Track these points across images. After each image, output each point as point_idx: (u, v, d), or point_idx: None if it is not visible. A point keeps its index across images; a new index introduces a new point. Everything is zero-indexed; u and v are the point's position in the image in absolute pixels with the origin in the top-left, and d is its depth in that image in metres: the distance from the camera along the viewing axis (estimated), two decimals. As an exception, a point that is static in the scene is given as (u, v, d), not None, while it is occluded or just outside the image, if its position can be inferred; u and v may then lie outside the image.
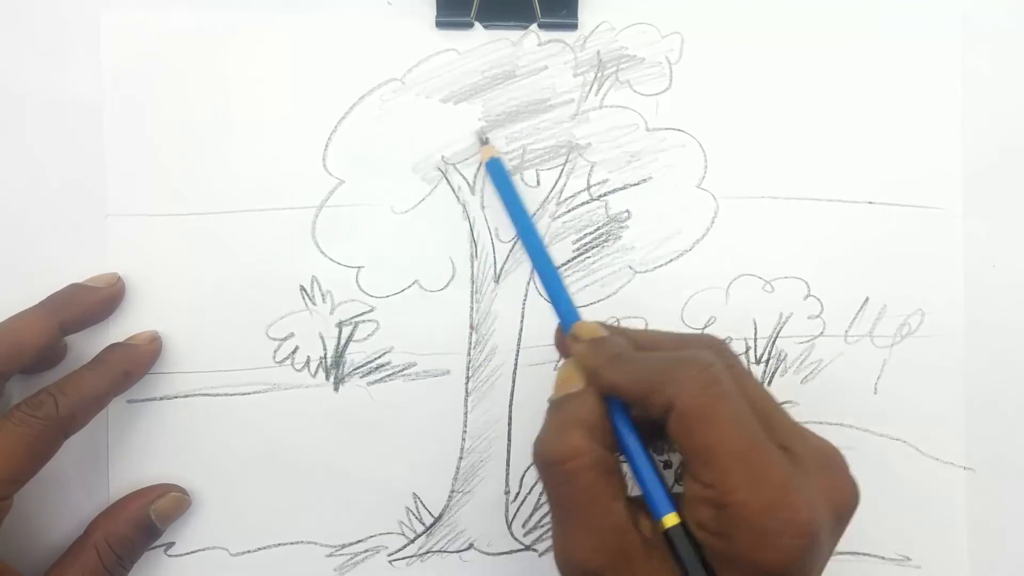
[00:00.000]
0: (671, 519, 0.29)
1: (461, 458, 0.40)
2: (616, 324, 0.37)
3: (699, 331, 0.40)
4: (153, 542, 0.39)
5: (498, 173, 0.39)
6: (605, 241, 0.41)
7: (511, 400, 0.40)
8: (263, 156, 0.40)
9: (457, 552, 0.41)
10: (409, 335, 0.40)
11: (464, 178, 0.40)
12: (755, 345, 0.41)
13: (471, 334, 0.40)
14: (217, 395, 0.39)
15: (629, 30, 0.41)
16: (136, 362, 0.38)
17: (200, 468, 0.39)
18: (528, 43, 0.40)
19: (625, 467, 0.31)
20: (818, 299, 0.41)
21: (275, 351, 0.40)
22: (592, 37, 0.41)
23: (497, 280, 0.40)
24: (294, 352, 0.40)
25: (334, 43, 0.40)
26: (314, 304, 0.40)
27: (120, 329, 0.39)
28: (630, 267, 0.41)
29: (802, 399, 0.41)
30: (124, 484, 0.39)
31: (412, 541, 0.40)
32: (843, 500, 0.29)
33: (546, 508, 0.40)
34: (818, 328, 0.41)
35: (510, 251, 0.40)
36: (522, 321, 0.40)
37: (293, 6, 0.40)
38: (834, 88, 0.41)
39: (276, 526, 0.40)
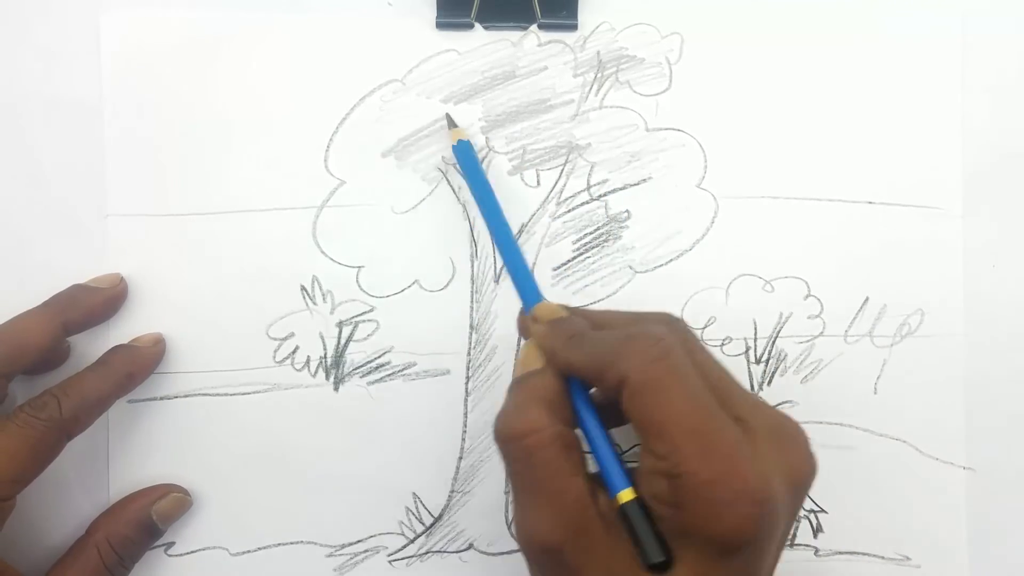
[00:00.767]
0: (626, 494, 0.29)
1: (461, 458, 0.40)
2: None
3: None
4: (154, 542, 0.39)
5: (465, 155, 0.39)
6: (605, 241, 0.41)
7: (511, 400, 0.40)
8: (264, 156, 0.40)
9: (457, 552, 0.41)
10: (409, 335, 0.40)
11: (464, 178, 0.40)
12: (755, 345, 0.41)
13: (471, 334, 0.40)
14: (217, 395, 0.40)
15: (629, 30, 0.41)
16: (139, 364, 0.38)
17: (200, 468, 0.40)
18: (528, 44, 0.40)
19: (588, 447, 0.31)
20: (818, 299, 0.41)
21: (275, 351, 0.40)
22: (592, 37, 0.41)
23: (497, 280, 0.40)
24: (294, 352, 0.40)
25: (334, 43, 0.40)
26: (314, 304, 0.40)
27: (120, 329, 0.39)
28: (630, 267, 0.41)
29: (802, 399, 0.41)
30: (124, 484, 0.39)
31: (412, 541, 0.40)
32: (798, 471, 0.29)
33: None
34: (818, 328, 0.41)
35: (510, 251, 0.40)
36: (522, 321, 0.40)
37: (293, 6, 0.40)
38: (834, 88, 0.41)
39: (276, 526, 0.40)
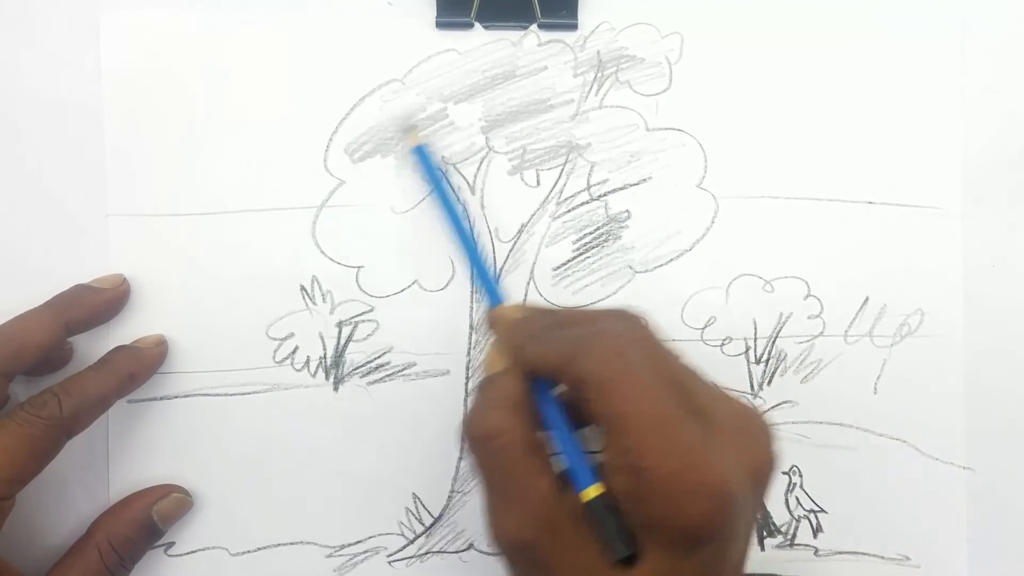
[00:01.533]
0: (592, 490, 0.29)
1: (461, 458, 0.40)
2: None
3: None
4: (155, 543, 0.39)
5: (424, 160, 0.39)
6: (605, 241, 0.41)
7: (511, 400, 0.40)
8: (264, 156, 0.40)
9: (457, 552, 0.41)
10: (409, 335, 0.40)
11: (464, 178, 0.40)
12: (755, 345, 0.41)
13: (471, 334, 0.40)
14: (217, 395, 0.39)
15: (629, 30, 0.41)
16: (141, 365, 0.38)
17: (200, 468, 0.39)
18: (528, 43, 0.40)
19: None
20: (818, 299, 0.41)
21: (275, 351, 0.40)
22: (592, 37, 0.41)
23: (497, 280, 0.40)
24: (294, 352, 0.40)
25: (334, 43, 0.40)
26: (314, 304, 0.40)
27: (120, 329, 0.39)
28: (630, 267, 0.41)
29: (802, 399, 0.41)
30: (125, 484, 0.39)
31: (412, 542, 0.40)
32: (759, 462, 0.29)
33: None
34: (818, 328, 0.41)
35: (510, 251, 0.40)
36: (522, 321, 0.40)
37: (293, 6, 0.40)
38: (834, 88, 0.41)
39: (276, 526, 0.40)
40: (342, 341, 0.40)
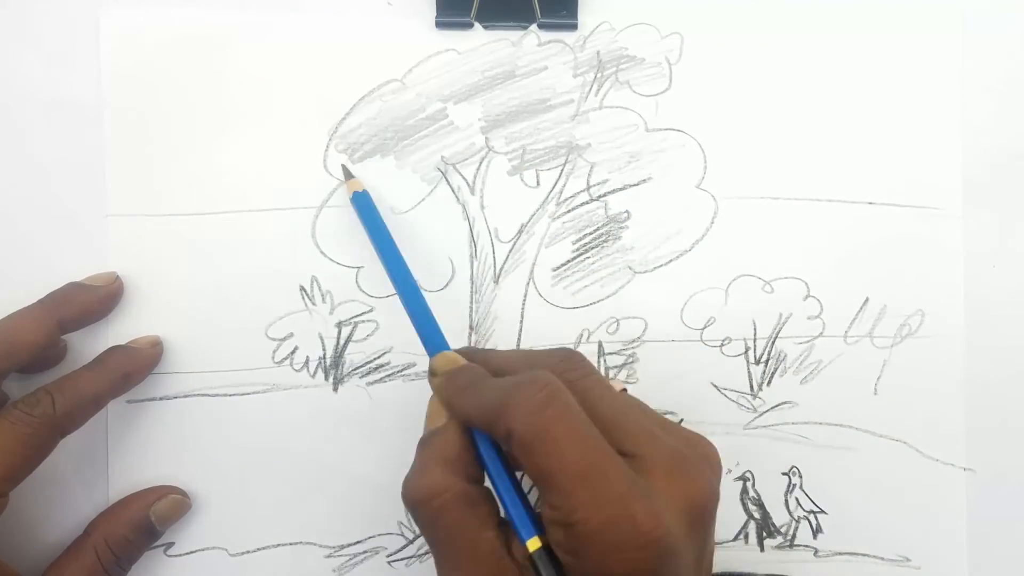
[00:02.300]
0: (533, 543, 0.29)
1: (461, 458, 0.40)
2: (483, 347, 0.36)
3: (633, 344, 0.39)
4: (152, 544, 0.38)
5: (364, 206, 0.38)
6: (605, 241, 0.40)
7: (511, 400, 0.40)
8: (263, 156, 0.39)
9: (457, 552, 0.40)
10: (409, 335, 0.39)
11: (464, 178, 0.40)
12: (755, 345, 0.41)
13: (471, 334, 0.40)
14: (217, 395, 0.39)
15: (629, 30, 0.40)
16: (136, 365, 0.37)
17: (200, 468, 0.39)
18: (528, 43, 0.40)
19: None
20: (818, 299, 0.41)
21: (274, 351, 0.39)
22: (592, 37, 0.40)
23: (497, 280, 0.40)
24: (293, 352, 0.39)
25: (334, 43, 0.40)
26: (314, 304, 0.40)
27: (120, 329, 0.39)
28: (630, 267, 0.40)
29: (802, 400, 0.41)
30: (124, 484, 0.39)
31: (411, 542, 0.40)
32: (696, 500, 0.28)
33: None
34: (818, 329, 0.41)
35: (510, 251, 0.40)
36: (522, 321, 0.40)
37: (293, 6, 0.40)
38: (834, 88, 0.41)
39: (276, 526, 0.40)
40: (342, 341, 0.40)
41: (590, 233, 0.40)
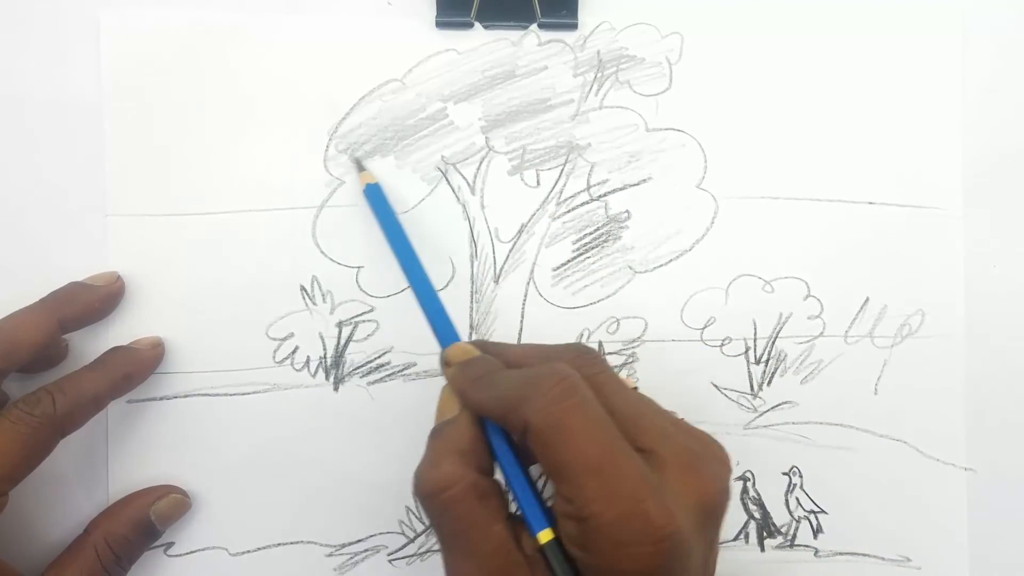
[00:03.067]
0: (544, 535, 0.28)
1: (461, 457, 0.40)
2: (494, 341, 0.35)
3: (633, 342, 0.39)
4: (152, 543, 0.38)
5: (376, 198, 0.38)
6: (605, 241, 0.40)
7: (511, 400, 0.40)
8: (263, 156, 0.39)
9: (457, 551, 0.40)
10: (409, 335, 0.39)
11: (464, 178, 0.40)
12: (755, 345, 0.40)
13: (471, 334, 0.40)
14: (217, 395, 0.39)
15: (629, 30, 0.40)
16: (137, 366, 0.37)
17: (200, 468, 0.39)
18: (528, 43, 0.40)
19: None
20: (818, 299, 0.40)
21: (275, 351, 0.39)
22: (592, 37, 0.40)
23: (497, 280, 0.40)
24: (294, 352, 0.39)
25: (334, 43, 0.39)
26: (314, 304, 0.39)
27: (120, 329, 0.38)
28: (630, 267, 0.40)
29: (802, 400, 0.40)
30: (124, 484, 0.38)
31: (412, 540, 0.40)
32: (708, 498, 0.28)
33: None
34: (818, 328, 0.40)
35: (510, 251, 0.40)
36: (522, 321, 0.40)
37: (293, 6, 0.39)
38: (834, 88, 0.41)
39: (276, 526, 0.39)
40: (342, 341, 0.39)
41: (590, 233, 0.40)
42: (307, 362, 0.39)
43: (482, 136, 0.40)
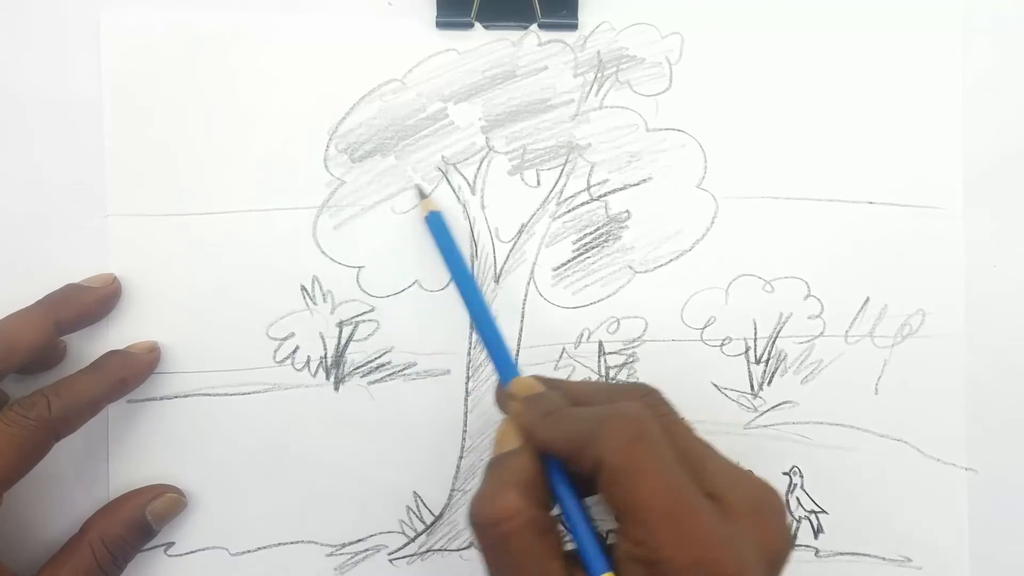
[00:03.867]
0: None
1: (461, 457, 0.39)
2: (553, 378, 0.35)
3: (642, 385, 0.38)
4: (148, 542, 0.37)
5: (437, 226, 0.37)
6: (605, 241, 0.40)
7: (511, 399, 0.39)
8: (264, 156, 0.39)
9: (458, 551, 0.40)
10: (409, 335, 0.39)
11: (464, 178, 0.39)
12: (755, 345, 0.40)
13: (471, 334, 0.39)
14: (217, 395, 0.38)
15: (629, 30, 0.40)
16: (133, 370, 0.37)
17: (200, 468, 0.38)
18: (528, 43, 0.39)
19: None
20: (818, 299, 0.40)
21: (275, 351, 0.39)
22: (592, 37, 0.39)
23: (497, 280, 0.39)
24: (294, 352, 0.39)
25: (334, 43, 0.39)
26: (315, 304, 0.39)
27: (120, 328, 0.38)
28: (630, 267, 0.40)
29: (802, 399, 0.40)
30: (124, 483, 0.38)
31: (413, 540, 0.39)
32: (775, 547, 0.28)
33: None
34: (818, 328, 0.40)
35: (510, 251, 0.39)
36: (522, 321, 0.39)
37: (293, 6, 0.39)
38: (834, 88, 0.40)
39: (276, 526, 0.39)
40: (343, 341, 0.39)
41: (590, 233, 0.40)
42: (307, 362, 0.39)
43: (482, 136, 0.39)
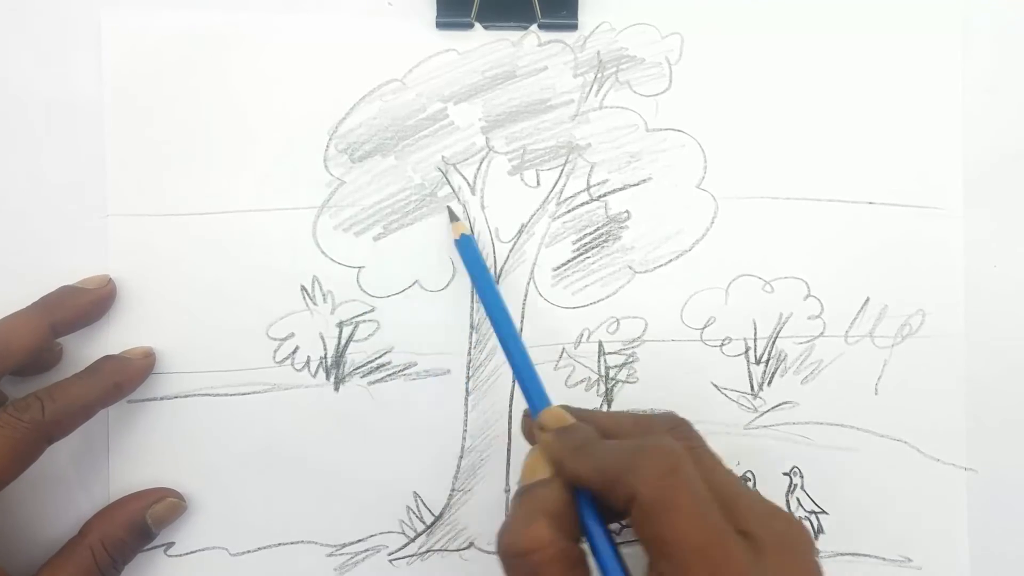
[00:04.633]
0: None
1: (461, 457, 0.39)
2: (580, 408, 0.34)
3: (660, 411, 0.37)
4: (146, 545, 0.37)
5: (468, 250, 0.37)
6: (605, 241, 0.39)
7: (511, 399, 0.39)
8: (264, 156, 0.38)
9: (458, 551, 0.39)
10: (409, 335, 0.39)
11: (464, 178, 0.39)
12: (755, 345, 0.40)
13: (471, 334, 0.39)
14: (217, 395, 0.38)
15: (629, 30, 0.39)
16: (128, 375, 0.36)
17: (200, 468, 0.38)
18: (528, 43, 0.39)
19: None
20: (818, 299, 0.40)
21: (275, 351, 0.38)
22: (592, 37, 0.39)
23: (498, 280, 0.39)
24: (294, 352, 0.38)
25: (334, 43, 0.38)
26: (315, 304, 0.38)
27: (120, 329, 0.38)
28: (630, 267, 0.39)
29: (802, 400, 0.40)
30: (124, 484, 0.38)
31: (413, 540, 0.39)
32: None
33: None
34: (818, 328, 0.40)
35: (510, 251, 0.39)
36: (522, 321, 0.39)
37: (293, 6, 0.38)
38: (834, 88, 0.40)
39: (276, 526, 0.38)
40: (343, 341, 0.38)
41: (590, 233, 0.39)
42: (307, 362, 0.38)
43: (482, 136, 0.39)
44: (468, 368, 0.39)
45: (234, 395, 0.38)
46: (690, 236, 0.39)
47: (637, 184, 0.39)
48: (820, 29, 0.40)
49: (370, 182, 0.38)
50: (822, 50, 0.40)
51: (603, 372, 0.39)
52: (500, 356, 0.39)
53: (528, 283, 0.39)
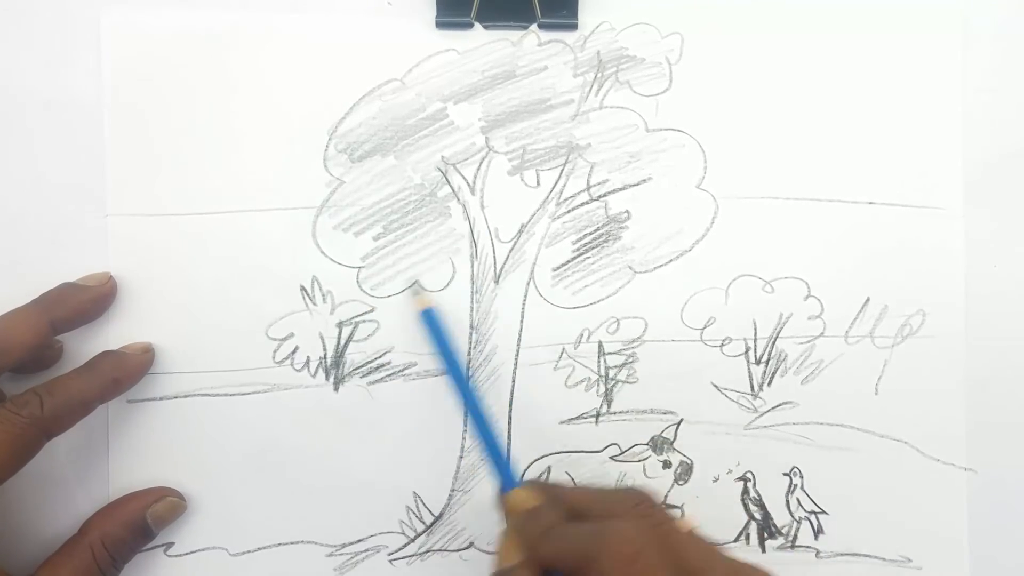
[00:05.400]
0: None
1: (461, 457, 0.39)
2: (547, 481, 0.35)
3: (628, 486, 0.37)
4: (146, 544, 0.37)
5: (431, 324, 0.37)
6: (605, 241, 0.39)
7: (511, 399, 0.39)
8: (263, 156, 0.38)
9: (458, 551, 0.39)
10: (409, 335, 0.38)
11: (464, 178, 0.38)
12: (755, 345, 0.39)
13: (471, 334, 0.39)
14: (217, 395, 0.38)
15: (629, 30, 0.39)
16: (126, 371, 0.36)
17: (200, 468, 0.38)
18: (528, 43, 0.39)
19: None
20: (818, 299, 0.39)
21: (275, 351, 0.38)
22: (592, 37, 0.39)
23: (497, 280, 0.39)
24: (294, 352, 0.38)
25: (334, 43, 0.38)
26: (314, 304, 0.38)
27: (120, 328, 0.37)
28: (630, 267, 0.39)
29: (802, 400, 0.39)
30: (124, 483, 0.37)
31: (412, 540, 0.39)
32: None
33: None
34: (818, 328, 0.39)
35: (510, 251, 0.39)
36: (522, 321, 0.39)
37: (293, 6, 0.38)
38: (834, 88, 0.39)
39: (276, 526, 0.38)
40: (342, 341, 0.38)
41: (590, 233, 0.39)
42: (307, 362, 0.38)
43: (482, 136, 0.38)
44: (468, 368, 0.39)
45: (234, 395, 0.38)
46: (690, 236, 0.39)
47: (637, 184, 0.39)
48: (820, 29, 0.39)
49: (370, 182, 0.38)
50: (822, 50, 0.39)
51: (603, 372, 0.39)
52: (500, 356, 0.39)
53: (528, 283, 0.39)
